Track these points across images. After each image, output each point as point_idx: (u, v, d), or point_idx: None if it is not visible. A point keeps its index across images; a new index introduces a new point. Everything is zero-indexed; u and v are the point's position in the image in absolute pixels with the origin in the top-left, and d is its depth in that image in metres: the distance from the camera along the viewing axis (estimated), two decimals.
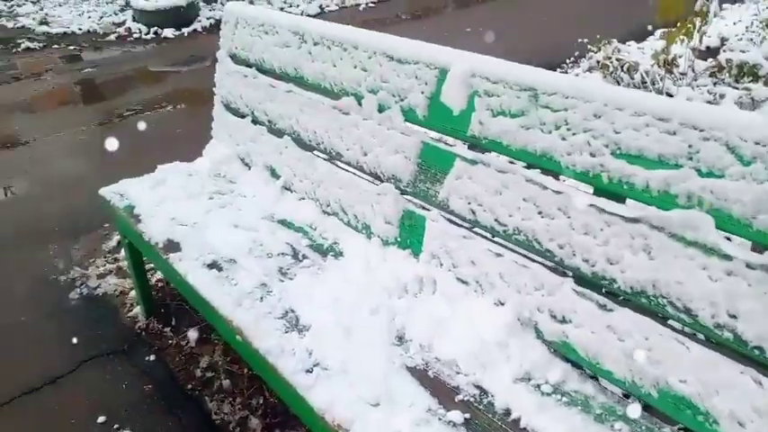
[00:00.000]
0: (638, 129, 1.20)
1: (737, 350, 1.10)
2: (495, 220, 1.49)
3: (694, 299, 1.14)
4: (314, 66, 2.02)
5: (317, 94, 2.04)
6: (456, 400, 1.33)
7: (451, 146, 1.64)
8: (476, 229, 1.57)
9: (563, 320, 1.36)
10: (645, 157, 1.19)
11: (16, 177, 4.01)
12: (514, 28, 6.77)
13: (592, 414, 1.27)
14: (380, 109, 1.79)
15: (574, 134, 1.31)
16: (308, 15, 7.57)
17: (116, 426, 2.06)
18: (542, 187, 1.38)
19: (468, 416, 1.29)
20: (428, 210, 1.70)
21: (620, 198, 1.27)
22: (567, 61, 5.29)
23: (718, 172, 1.10)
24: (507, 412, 1.29)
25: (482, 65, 1.52)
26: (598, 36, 4.84)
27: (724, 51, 4.41)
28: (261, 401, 2.12)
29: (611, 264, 1.26)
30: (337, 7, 8.50)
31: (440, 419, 1.28)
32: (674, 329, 1.20)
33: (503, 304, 1.48)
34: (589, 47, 5.08)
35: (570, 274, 1.36)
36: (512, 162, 1.48)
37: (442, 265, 1.63)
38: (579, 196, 1.31)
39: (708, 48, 4.65)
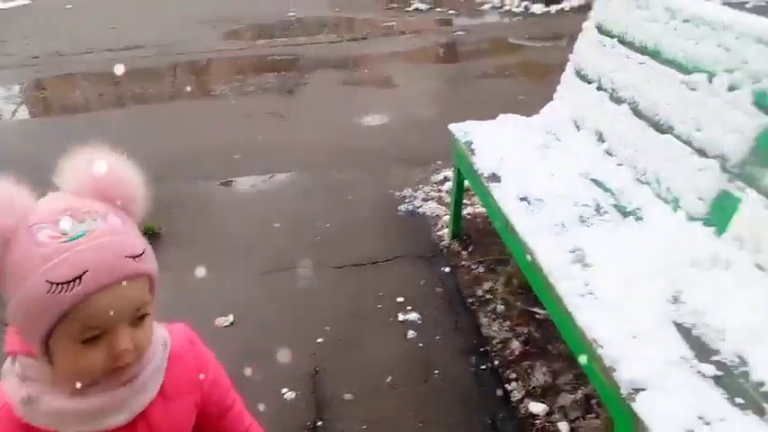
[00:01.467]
0: None
1: None
2: None
3: None
4: (676, 41, 2.15)
5: (670, 68, 2.17)
6: (712, 359, 1.43)
7: None
8: None
9: None
10: None
11: (386, 111, 4.94)
12: None
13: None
14: (730, 89, 1.86)
15: None
16: None
17: (409, 307, 2.59)
18: None
19: (720, 374, 1.38)
20: (746, 193, 1.74)
21: None
22: None
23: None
24: (761, 384, 1.34)
25: None
26: None
27: None
28: (525, 331, 2.42)
29: None
30: None
31: (691, 367, 1.40)
32: None
33: None
34: None
35: None
36: None
37: (743, 248, 1.67)
38: None
39: None
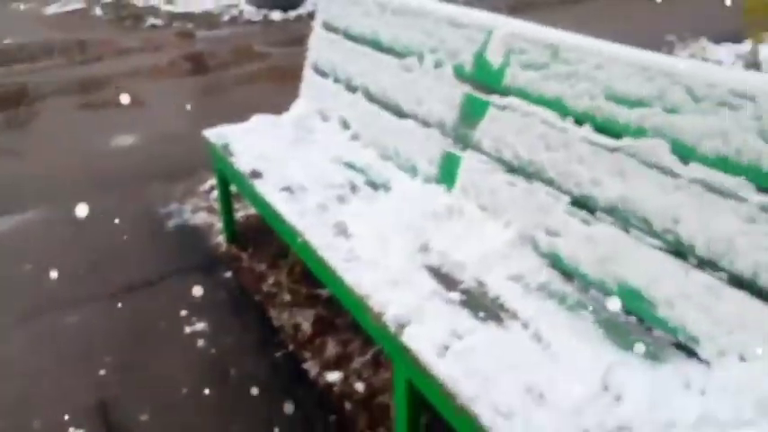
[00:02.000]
0: (626, 77, 1.55)
1: (676, 249, 1.43)
2: (515, 155, 1.87)
3: (650, 209, 1.48)
4: (389, 31, 2.47)
5: (389, 56, 2.49)
6: (459, 287, 1.73)
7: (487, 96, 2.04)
8: (498, 164, 1.95)
9: (556, 234, 1.73)
10: (627, 98, 1.54)
11: (137, 130, 4.76)
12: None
13: (565, 304, 1.63)
14: (436, 66, 2.21)
15: (579, 82, 1.67)
16: None
17: (194, 318, 2.60)
18: (551, 127, 1.75)
19: (465, 298, 1.68)
20: (463, 151, 2.10)
21: (611, 134, 1.62)
22: None
23: (679, 110, 1.44)
24: (497, 298, 1.67)
25: (519, 27, 1.91)
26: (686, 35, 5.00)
27: None
28: (313, 313, 2.59)
29: (594, 186, 1.62)
30: None
31: (442, 297, 1.68)
32: (634, 237, 1.54)
33: (510, 224, 1.85)
34: (677, 44, 5.23)
35: (564, 197, 1.72)
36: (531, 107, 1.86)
37: (468, 196, 2.03)
38: (578, 133, 1.67)
39: None
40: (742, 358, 1.33)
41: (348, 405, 2.16)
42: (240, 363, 2.35)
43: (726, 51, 5.28)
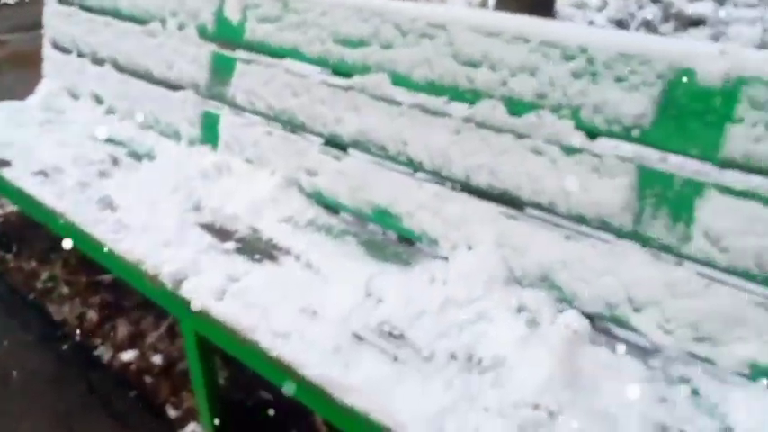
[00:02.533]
0: (346, 20, 1.73)
1: (409, 167, 1.68)
2: (267, 105, 1.99)
3: (384, 137, 1.70)
4: None
5: (130, 23, 2.44)
6: (234, 237, 1.82)
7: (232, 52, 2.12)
8: (255, 117, 2.06)
9: (315, 174, 1.89)
10: (350, 39, 1.73)
11: None
12: None
13: (331, 234, 1.81)
14: (180, 28, 2.23)
15: (310, 30, 1.82)
16: None
17: None
18: (294, 75, 1.90)
19: (240, 245, 1.78)
20: (221, 108, 2.17)
21: (343, 74, 1.80)
22: None
23: (392, 45, 1.65)
24: (270, 240, 1.80)
25: None
26: None
27: None
28: (98, 299, 2.51)
29: (338, 124, 1.80)
30: None
31: (216, 249, 1.76)
32: (376, 164, 1.76)
33: (275, 172, 1.98)
34: None
35: (316, 138, 1.89)
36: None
37: (233, 152, 2.11)
38: (317, 77, 1.84)
39: None
40: (469, 248, 1.62)
41: (148, 379, 2.18)
42: (22, 362, 2.22)
43: None
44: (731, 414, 1.26)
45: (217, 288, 1.60)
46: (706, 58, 1.21)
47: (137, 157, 2.32)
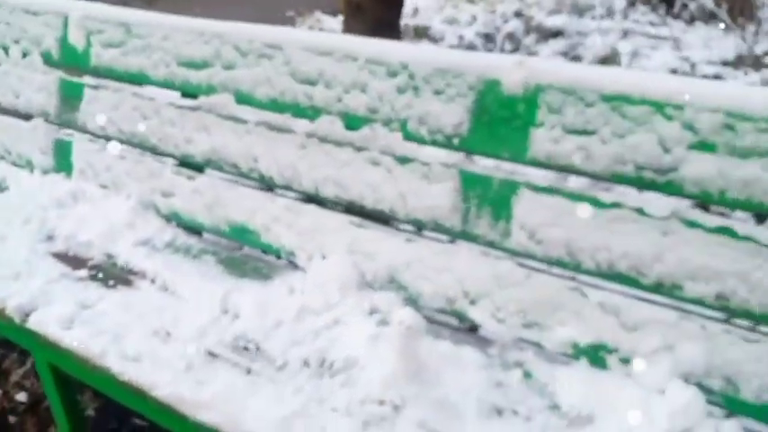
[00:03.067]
0: (188, 43, 1.76)
1: (261, 182, 1.73)
2: (118, 129, 1.97)
3: (234, 154, 1.73)
4: None
5: None
6: (87, 265, 1.79)
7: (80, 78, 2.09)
8: (107, 142, 2.03)
9: (170, 195, 1.90)
10: (194, 62, 1.76)
11: None
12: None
13: (189, 255, 1.82)
14: (24, 55, 2.16)
15: (154, 53, 1.83)
16: None
17: None
18: (141, 98, 1.90)
19: (93, 272, 1.76)
20: (72, 135, 2.12)
21: (190, 95, 1.82)
22: None
23: (234, 66, 1.70)
24: (125, 264, 1.78)
25: (93, 9, 1.99)
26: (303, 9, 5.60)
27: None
28: None
29: (189, 143, 1.82)
30: None
31: (69, 278, 1.73)
32: (230, 181, 1.80)
33: (130, 196, 1.96)
34: (297, 19, 5.80)
35: (169, 159, 1.90)
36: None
37: (87, 178, 2.07)
38: (164, 99, 1.85)
39: None
40: (324, 257, 1.68)
41: (12, 418, 2.09)
42: None
43: (337, 21, 6.01)
44: (558, 392, 1.38)
45: (66, 317, 1.57)
46: (507, 69, 1.34)
47: None
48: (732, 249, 1.18)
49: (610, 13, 5.82)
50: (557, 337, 1.42)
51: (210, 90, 1.75)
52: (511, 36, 4.68)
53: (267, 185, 1.76)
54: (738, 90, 1.20)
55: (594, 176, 1.29)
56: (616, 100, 1.23)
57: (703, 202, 1.20)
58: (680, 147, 1.18)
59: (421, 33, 5.00)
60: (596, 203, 1.30)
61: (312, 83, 1.58)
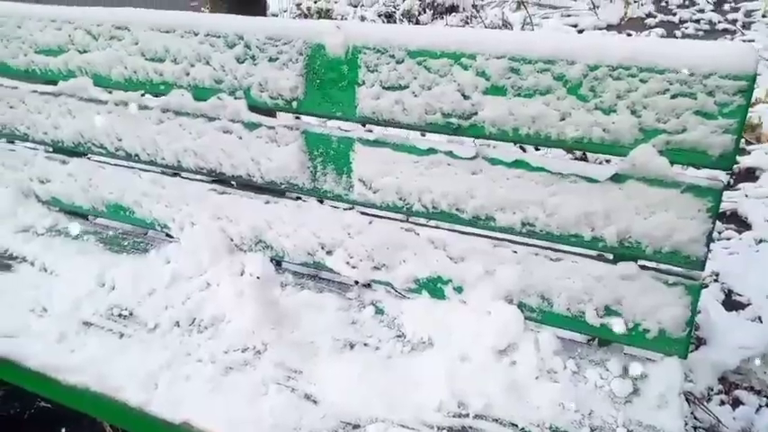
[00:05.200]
0: (42, 30, 1.79)
1: (128, 160, 1.79)
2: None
3: (99, 135, 1.79)
4: None
5: None
6: None
7: None
8: None
9: (47, 181, 1.94)
10: (50, 48, 1.79)
11: None
12: None
13: (70, 237, 1.88)
14: None
15: (11, 42, 1.85)
16: None
17: None
18: (6, 87, 1.93)
19: None
20: None
21: (48, 80, 1.86)
22: None
23: (88, 49, 1.74)
24: (5, 251, 1.84)
25: None
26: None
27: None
28: None
29: (57, 129, 1.86)
30: None
31: None
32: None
33: (9, 185, 2.00)
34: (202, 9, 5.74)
35: (40, 146, 1.94)
36: None
37: None
38: (27, 87, 1.88)
39: None
40: (193, 225, 1.77)
41: None
42: None
43: None
44: (404, 324, 1.53)
45: None
46: (329, 33, 1.44)
47: None
48: (528, 180, 1.33)
49: None
50: (401, 275, 1.56)
51: (69, 75, 1.79)
52: (408, 13, 4.78)
53: (134, 162, 1.82)
54: (520, 36, 1.33)
55: (411, 127, 1.41)
56: (420, 55, 1.35)
57: (500, 140, 1.34)
58: (476, 93, 1.32)
59: (323, 14, 5.04)
60: (415, 151, 1.42)
61: (161, 60, 1.65)
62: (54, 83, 1.84)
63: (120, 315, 1.59)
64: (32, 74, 1.86)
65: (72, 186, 1.91)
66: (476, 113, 1.33)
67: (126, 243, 1.86)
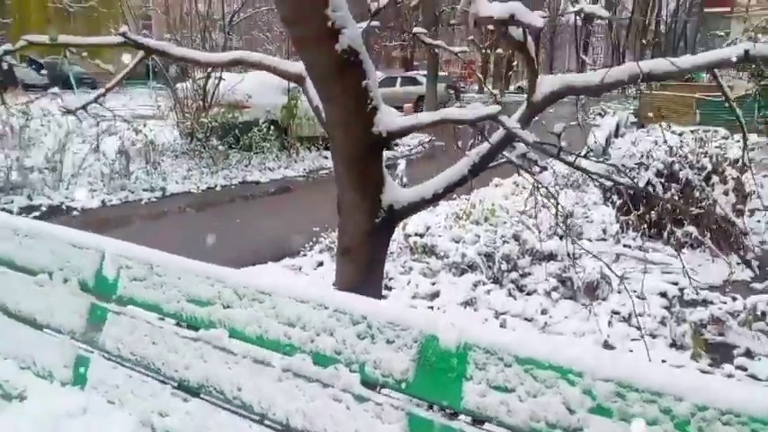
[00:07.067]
0: (197, 285, 2.06)
1: (242, 409, 1.90)
2: (131, 351, 2.22)
3: (222, 381, 1.94)
4: (22, 252, 2.70)
5: (22, 273, 2.69)
6: None
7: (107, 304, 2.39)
8: (119, 362, 2.27)
9: (166, 415, 2.09)
10: (200, 299, 2.05)
11: None
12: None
13: None
14: (64, 281, 2.50)
15: (169, 290, 2.13)
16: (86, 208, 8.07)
17: None
18: (153, 325, 2.17)
19: None
20: (92, 353, 2.37)
21: (192, 326, 2.08)
22: (306, 246, 6.34)
23: (232, 305, 1.97)
24: None
25: (124, 248, 2.34)
26: (327, 226, 6.12)
27: (422, 237, 5.84)
28: None
29: (186, 369, 2.04)
30: (120, 201, 8.79)
31: None
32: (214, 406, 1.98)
33: (132, 413, 2.15)
34: (322, 234, 6.30)
35: (169, 381, 2.11)
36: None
37: (99, 393, 2.28)
38: (171, 329, 2.11)
39: (415, 233, 6.07)
40: None
41: None
42: None
43: None
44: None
45: None
46: (443, 327, 1.57)
47: (7, 397, 2.44)
48: None
49: (603, 237, 6.23)
50: None
51: (210, 324, 2.02)
52: (507, 257, 5.02)
53: (246, 412, 1.93)
54: (628, 362, 1.39)
55: (515, 429, 1.45)
56: (528, 363, 1.43)
57: None
58: (582, 410, 1.36)
59: (428, 251, 5.39)
60: None
61: (291, 325, 1.84)
62: (195, 329, 2.07)
63: None
64: (179, 318, 2.11)
65: (187, 424, 2.03)
66: (581, 430, 1.36)
67: None
